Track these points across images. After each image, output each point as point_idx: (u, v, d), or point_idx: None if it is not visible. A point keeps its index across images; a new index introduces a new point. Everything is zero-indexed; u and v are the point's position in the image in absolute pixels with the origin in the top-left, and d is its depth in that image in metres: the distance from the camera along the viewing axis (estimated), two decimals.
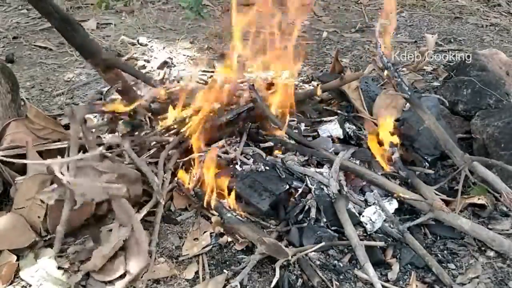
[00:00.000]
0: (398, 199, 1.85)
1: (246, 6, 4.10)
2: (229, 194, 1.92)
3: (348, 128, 2.25)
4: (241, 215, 1.86)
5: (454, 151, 1.93)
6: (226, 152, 2.06)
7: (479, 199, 1.89)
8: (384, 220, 1.82)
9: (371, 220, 1.79)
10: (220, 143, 2.12)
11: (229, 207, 1.88)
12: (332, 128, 2.21)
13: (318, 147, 2.05)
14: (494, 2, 4.30)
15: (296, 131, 2.19)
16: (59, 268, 1.68)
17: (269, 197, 1.86)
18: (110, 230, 1.75)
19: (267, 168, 1.96)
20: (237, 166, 1.99)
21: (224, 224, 1.83)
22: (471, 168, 1.88)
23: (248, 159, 2.02)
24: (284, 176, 1.91)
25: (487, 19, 4.00)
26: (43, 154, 2.02)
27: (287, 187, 1.88)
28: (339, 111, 2.45)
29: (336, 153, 2.07)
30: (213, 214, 1.91)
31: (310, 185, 1.88)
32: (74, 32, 2.01)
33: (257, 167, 1.95)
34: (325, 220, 1.80)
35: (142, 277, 1.65)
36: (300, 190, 1.89)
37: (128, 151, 2.09)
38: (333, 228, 1.79)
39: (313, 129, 2.21)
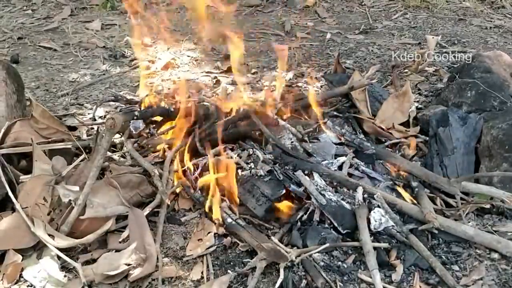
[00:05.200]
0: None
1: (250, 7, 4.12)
2: (230, 198, 1.94)
3: (346, 130, 2.24)
4: (244, 219, 1.87)
5: (439, 181, 1.96)
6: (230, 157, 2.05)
7: (484, 203, 1.89)
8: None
9: (379, 219, 1.79)
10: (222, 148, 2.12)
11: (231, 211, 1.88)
12: (331, 136, 2.21)
13: (320, 152, 2.06)
14: (498, 4, 4.29)
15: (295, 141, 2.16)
16: (62, 268, 1.69)
17: (265, 203, 1.86)
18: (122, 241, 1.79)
19: (266, 172, 1.95)
20: (239, 171, 1.98)
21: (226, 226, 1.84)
22: (462, 189, 1.92)
23: (248, 164, 2.01)
24: (282, 178, 1.91)
25: (491, 21, 4.00)
26: (46, 154, 2.03)
27: (283, 191, 1.88)
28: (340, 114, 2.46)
29: (337, 156, 2.08)
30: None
31: (310, 192, 1.86)
32: None
33: (257, 171, 1.95)
34: (335, 223, 1.79)
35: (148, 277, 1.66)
36: (304, 198, 1.89)
37: (130, 151, 2.10)
38: (345, 231, 1.79)
39: (314, 137, 2.21)
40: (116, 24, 3.98)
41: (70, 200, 1.76)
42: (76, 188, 1.78)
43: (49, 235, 1.71)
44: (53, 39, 3.75)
